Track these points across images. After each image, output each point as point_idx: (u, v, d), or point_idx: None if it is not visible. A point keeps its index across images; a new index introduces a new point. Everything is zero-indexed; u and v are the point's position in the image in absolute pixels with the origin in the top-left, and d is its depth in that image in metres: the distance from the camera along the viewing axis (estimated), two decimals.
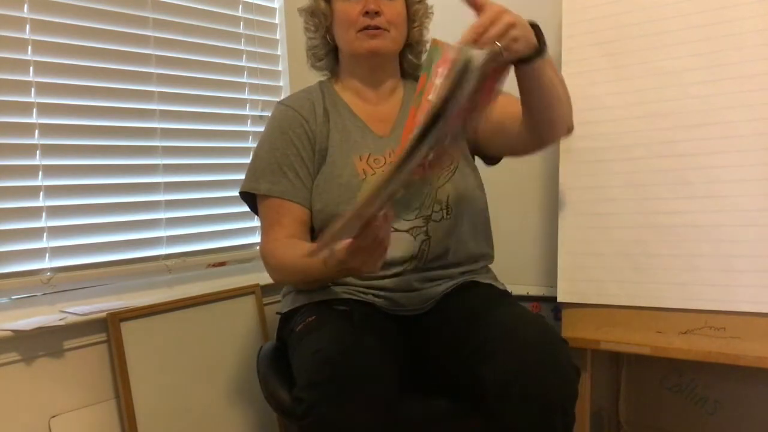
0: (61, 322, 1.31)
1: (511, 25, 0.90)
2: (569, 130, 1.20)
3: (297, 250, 1.16)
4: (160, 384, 1.48)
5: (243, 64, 1.77)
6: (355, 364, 0.95)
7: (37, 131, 1.36)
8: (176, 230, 1.62)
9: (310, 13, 1.29)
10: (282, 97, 1.71)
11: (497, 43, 0.88)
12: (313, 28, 1.30)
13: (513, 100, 1.16)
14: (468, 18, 1.09)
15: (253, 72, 1.80)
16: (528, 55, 0.97)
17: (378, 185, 0.80)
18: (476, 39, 0.88)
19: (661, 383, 1.61)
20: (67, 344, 1.37)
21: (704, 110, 1.33)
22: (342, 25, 1.23)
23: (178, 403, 1.50)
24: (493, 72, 0.86)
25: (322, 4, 1.26)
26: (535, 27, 0.98)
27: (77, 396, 1.38)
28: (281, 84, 1.88)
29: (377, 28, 1.20)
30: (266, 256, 1.24)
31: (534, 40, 0.97)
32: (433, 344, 1.15)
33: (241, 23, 1.78)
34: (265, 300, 1.71)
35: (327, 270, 1.08)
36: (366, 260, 0.93)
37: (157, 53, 1.57)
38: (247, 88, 1.79)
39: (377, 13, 1.19)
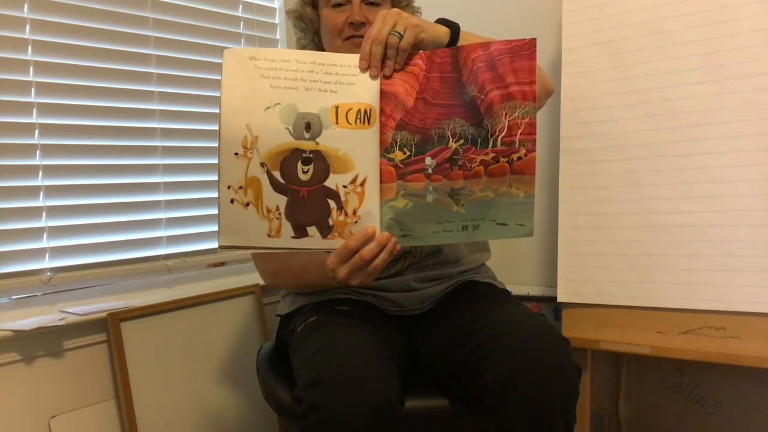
0: (61, 322, 1.31)
1: (397, 18, 0.98)
2: (544, 88, 1.18)
3: (291, 255, 1.17)
4: (160, 384, 1.48)
5: None
6: (356, 363, 0.95)
7: (37, 131, 1.36)
8: (176, 230, 1.62)
9: (297, 17, 1.29)
10: None
11: (395, 33, 0.96)
12: (301, 31, 1.31)
13: None
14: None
15: None
16: (436, 42, 1.03)
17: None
18: (371, 44, 0.97)
19: (661, 383, 1.61)
20: (67, 344, 1.37)
21: (704, 110, 1.33)
22: (328, 32, 1.23)
23: (178, 403, 1.50)
24: (430, 66, 0.98)
25: (309, 10, 1.26)
26: (449, 24, 1.07)
27: (77, 396, 1.38)
28: None
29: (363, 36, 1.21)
30: (259, 260, 1.25)
31: (438, 32, 1.03)
32: (434, 344, 1.15)
33: (241, 23, 1.78)
34: (265, 300, 1.71)
35: (322, 276, 1.07)
36: (354, 274, 0.97)
37: (157, 53, 1.57)
38: None
39: (362, 24, 1.19)
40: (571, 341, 1.05)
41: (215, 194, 1.67)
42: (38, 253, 1.37)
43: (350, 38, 1.20)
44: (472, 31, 1.09)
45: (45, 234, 1.38)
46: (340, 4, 1.20)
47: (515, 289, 1.43)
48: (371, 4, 1.20)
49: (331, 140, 0.96)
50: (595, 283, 1.45)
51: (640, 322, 1.39)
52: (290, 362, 1.14)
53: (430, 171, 0.98)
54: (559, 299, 1.49)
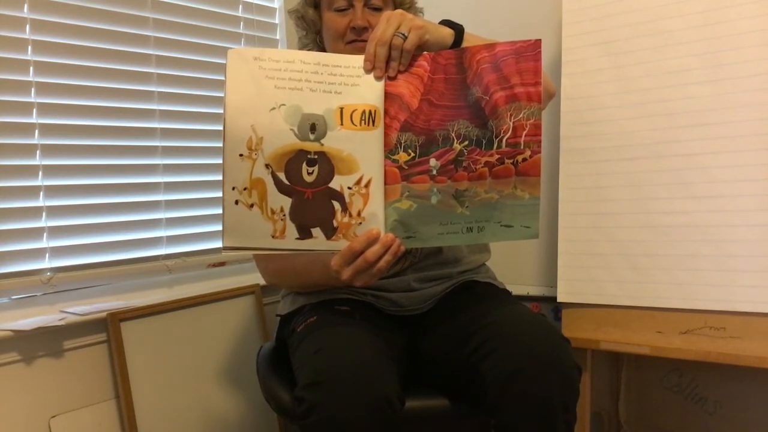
0: (61, 322, 1.31)
1: (401, 19, 0.98)
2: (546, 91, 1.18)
3: (294, 255, 1.17)
4: (160, 384, 1.48)
5: None
6: (357, 363, 0.96)
7: (37, 131, 1.36)
8: (176, 230, 1.62)
9: (299, 17, 1.29)
10: None
11: (399, 34, 0.96)
12: (303, 30, 1.30)
13: None
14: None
15: None
16: (440, 43, 1.02)
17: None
18: (375, 45, 0.97)
19: (661, 383, 1.61)
20: (67, 344, 1.37)
21: (704, 110, 1.33)
22: (330, 35, 1.23)
23: (178, 403, 1.50)
24: (434, 67, 0.98)
25: (311, 12, 1.26)
26: (453, 25, 1.06)
27: (77, 396, 1.38)
28: None
29: (366, 41, 1.21)
30: (260, 260, 1.25)
31: (442, 33, 1.03)
32: (434, 344, 1.15)
33: (241, 23, 1.78)
34: (265, 300, 1.71)
35: (326, 276, 1.08)
36: (358, 276, 0.97)
37: (157, 53, 1.57)
38: None
39: (365, 28, 1.19)
40: (571, 341, 1.05)
41: (215, 194, 1.69)
42: (38, 253, 1.37)
43: (352, 42, 1.20)
44: (472, 30, 1.09)
45: (45, 234, 1.38)
46: (342, 8, 1.20)
47: (515, 289, 1.43)
48: (374, 8, 1.20)
49: (336, 141, 0.96)
50: (595, 283, 1.45)
51: (640, 322, 1.39)
52: (290, 362, 1.14)
53: (434, 172, 0.97)
54: (559, 299, 1.49)
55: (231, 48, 0.97)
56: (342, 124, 0.96)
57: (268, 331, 1.69)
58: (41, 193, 1.37)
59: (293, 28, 1.34)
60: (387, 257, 0.96)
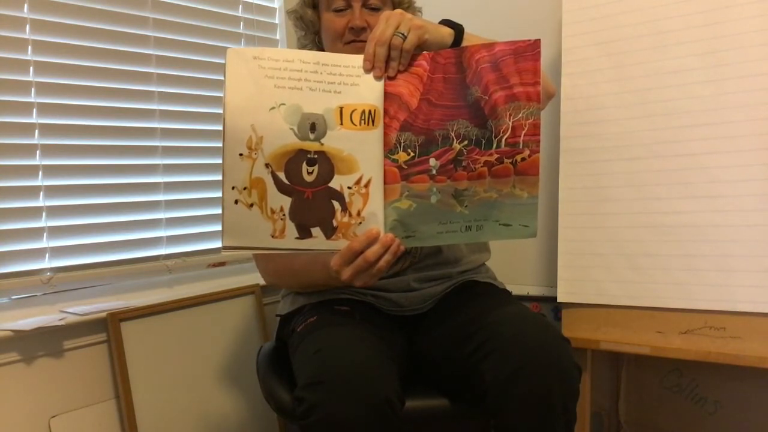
0: (61, 322, 1.31)
1: (400, 19, 0.98)
2: (546, 91, 1.18)
3: (293, 255, 1.17)
4: (160, 384, 1.48)
5: None
6: (357, 363, 0.95)
7: (37, 131, 1.36)
8: (176, 230, 1.62)
9: (298, 17, 1.29)
10: None
11: (398, 34, 0.96)
12: (302, 31, 1.31)
13: None
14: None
15: None
16: (440, 43, 1.02)
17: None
18: (375, 45, 0.97)
19: (661, 383, 1.61)
20: (67, 344, 1.37)
21: (704, 110, 1.33)
22: (329, 36, 1.23)
23: (178, 403, 1.50)
24: (434, 67, 0.98)
25: (309, 12, 1.26)
26: (453, 25, 1.07)
27: (77, 396, 1.38)
28: None
29: (364, 41, 1.21)
30: (260, 260, 1.25)
31: (442, 32, 1.03)
32: (434, 344, 1.15)
33: (241, 23, 1.78)
34: (265, 300, 1.71)
35: (326, 276, 1.07)
36: (358, 276, 0.97)
37: (157, 53, 1.57)
38: None
39: (363, 29, 1.19)
40: (571, 341, 1.05)
41: (215, 194, 1.69)
42: (38, 253, 1.37)
43: (351, 42, 1.20)
44: (472, 31, 1.09)
45: (45, 234, 1.38)
46: (341, 9, 1.20)
47: (515, 289, 1.43)
48: (372, 8, 1.20)
49: (336, 141, 0.96)
50: (595, 283, 1.45)
51: (640, 322, 1.39)
52: (290, 362, 1.14)
53: (434, 172, 0.97)
54: (559, 299, 1.49)
55: (229, 48, 0.97)
56: (342, 124, 0.96)
57: (268, 331, 1.69)
58: (41, 193, 1.37)
59: (293, 28, 1.34)
60: (387, 257, 0.96)
